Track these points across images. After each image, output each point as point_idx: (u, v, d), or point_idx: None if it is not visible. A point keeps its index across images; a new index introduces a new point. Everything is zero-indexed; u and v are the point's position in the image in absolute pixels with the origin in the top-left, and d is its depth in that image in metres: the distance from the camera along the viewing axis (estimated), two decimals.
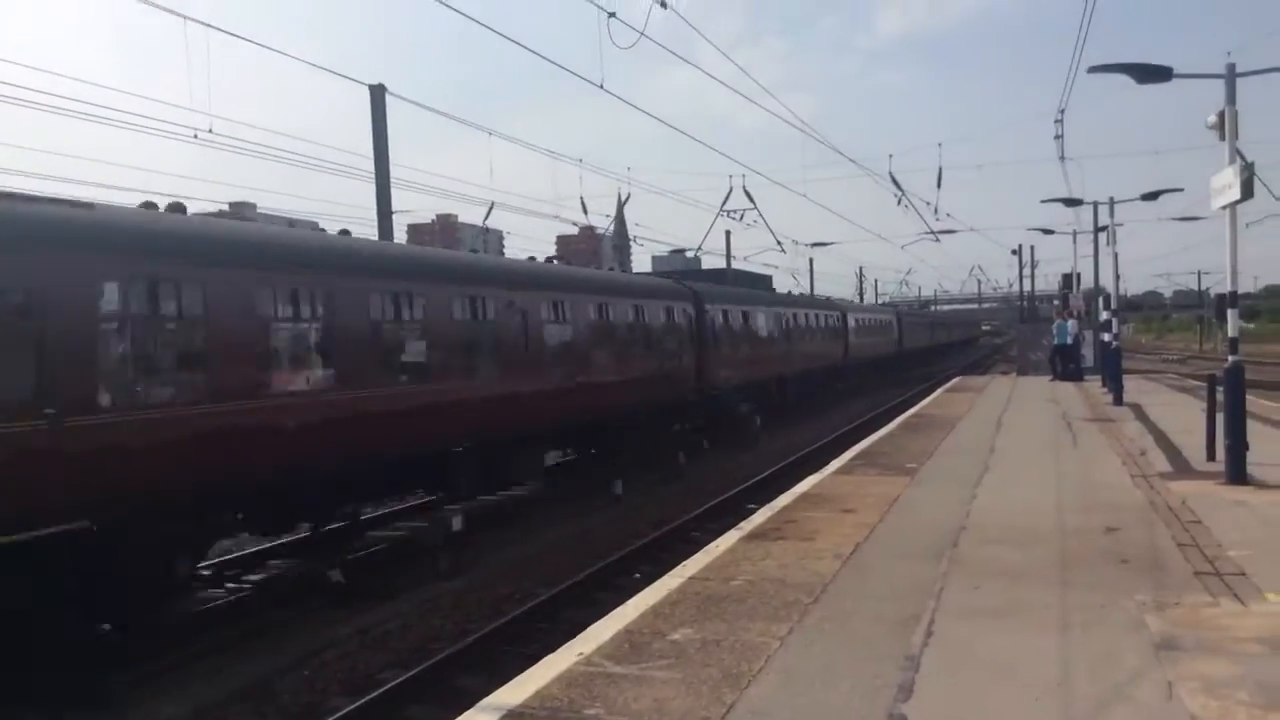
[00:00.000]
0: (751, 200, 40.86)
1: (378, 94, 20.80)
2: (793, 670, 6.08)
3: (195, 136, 16.48)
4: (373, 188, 20.96)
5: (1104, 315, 30.23)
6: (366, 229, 24.81)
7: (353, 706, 8.55)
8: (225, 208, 18.91)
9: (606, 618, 7.48)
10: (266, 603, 11.96)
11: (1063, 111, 26.42)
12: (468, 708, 5.91)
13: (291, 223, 19.73)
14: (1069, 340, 33.52)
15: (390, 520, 15.70)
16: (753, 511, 12.22)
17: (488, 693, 6.17)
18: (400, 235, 35.12)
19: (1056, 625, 6.89)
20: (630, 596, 8.30)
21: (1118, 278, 28.45)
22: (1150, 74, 12.68)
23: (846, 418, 32.35)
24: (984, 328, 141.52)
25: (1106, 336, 28.53)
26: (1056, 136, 27.98)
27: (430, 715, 8.58)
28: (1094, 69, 13.28)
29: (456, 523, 13.57)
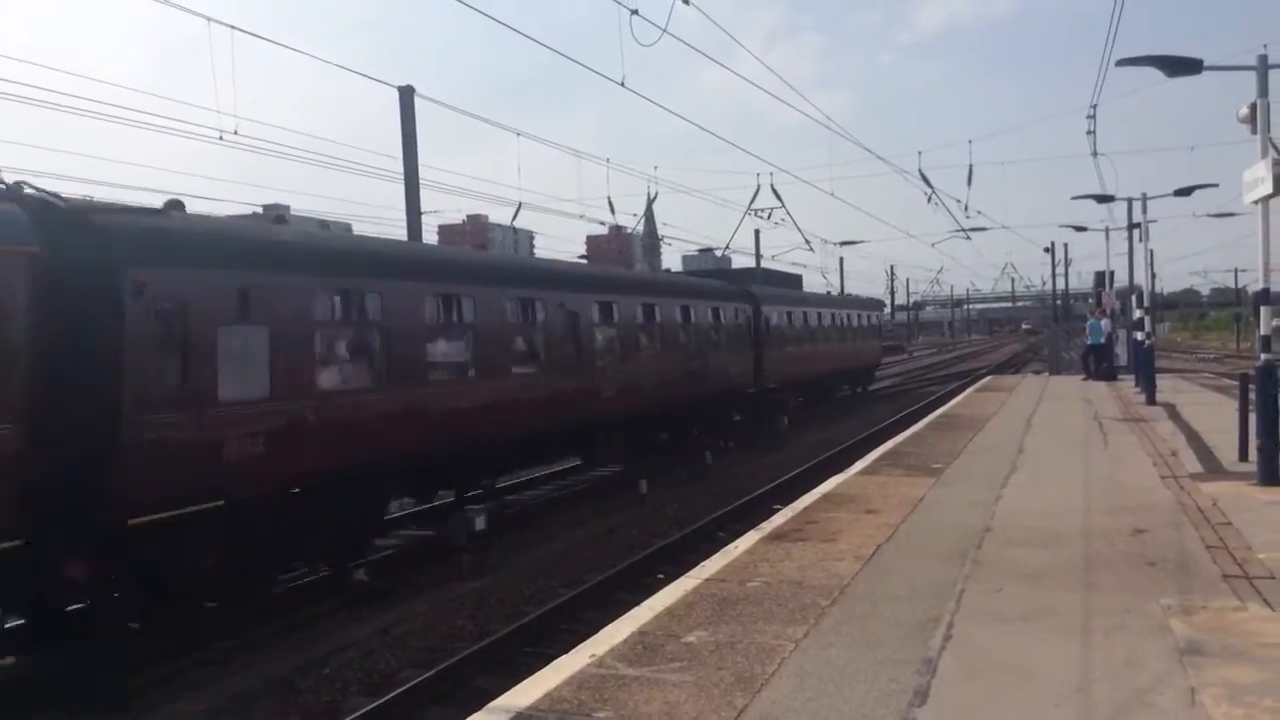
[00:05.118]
0: (780, 199, 40.77)
1: (406, 95, 20.89)
2: (807, 674, 6.01)
3: (221, 138, 16.59)
4: (401, 188, 21.10)
5: (1137, 313, 29.76)
6: (396, 230, 24.89)
7: (371, 706, 8.57)
8: (259, 209, 19.03)
9: (621, 619, 7.44)
10: (291, 602, 12.03)
11: (1094, 107, 26.07)
12: (483, 709, 5.88)
13: (325, 224, 19.87)
14: (1102, 339, 33.09)
15: (414, 520, 15.81)
16: (777, 512, 12.13)
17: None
18: (430, 235, 35.20)
19: (1079, 629, 6.77)
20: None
21: (1151, 275, 28.08)
22: (1179, 66, 12.47)
23: (877, 417, 32.14)
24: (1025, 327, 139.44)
25: (1139, 335, 28.10)
26: (1089, 132, 27.70)
27: (448, 715, 8.57)
28: (1122, 62, 13.07)
29: (479, 522, 13.59)
